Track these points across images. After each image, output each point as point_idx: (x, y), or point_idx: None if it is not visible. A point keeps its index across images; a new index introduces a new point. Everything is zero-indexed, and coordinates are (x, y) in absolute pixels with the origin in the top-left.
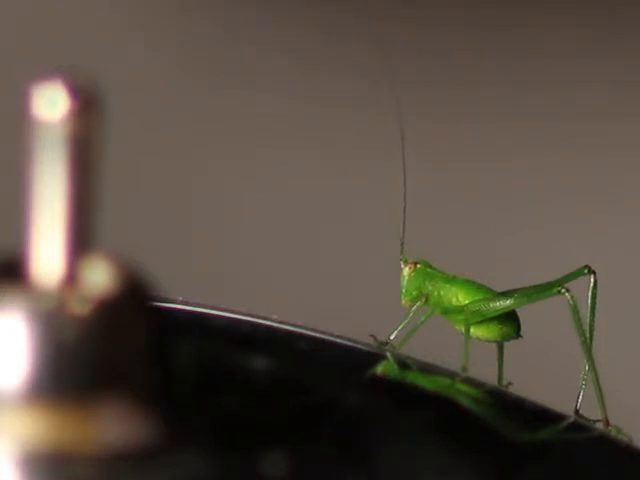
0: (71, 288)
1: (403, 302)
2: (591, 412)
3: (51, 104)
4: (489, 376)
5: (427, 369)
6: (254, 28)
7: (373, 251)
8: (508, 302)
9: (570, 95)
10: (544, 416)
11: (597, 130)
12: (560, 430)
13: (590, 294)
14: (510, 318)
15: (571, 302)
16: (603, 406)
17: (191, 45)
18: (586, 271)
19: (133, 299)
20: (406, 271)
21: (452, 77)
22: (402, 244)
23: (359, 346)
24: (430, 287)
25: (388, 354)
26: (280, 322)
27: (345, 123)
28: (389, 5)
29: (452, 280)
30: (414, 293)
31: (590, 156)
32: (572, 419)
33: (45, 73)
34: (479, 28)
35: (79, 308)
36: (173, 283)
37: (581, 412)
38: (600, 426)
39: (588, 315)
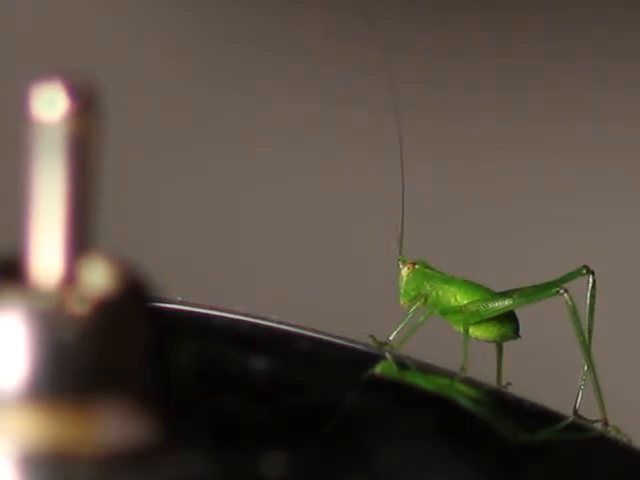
0: (71, 288)
1: (401, 302)
2: (590, 412)
3: (51, 104)
4: (488, 376)
5: (426, 369)
6: (254, 28)
7: (372, 251)
8: (507, 302)
9: (570, 95)
10: (543, 416)
11: (597, 130)
12: (559, 430)
13: (589, 294)
14: (509, 318)
15: (570, 303)
16: (602, 406)
17: (191, 45)
18: (585, 271)
19: (133, 299)
20: (404, 271)
21: (451, 77)
22: (400, 244)
23: (358, 346)
24: (428, 287)
25: (387, 354)
26: (279, 322)
27: (344, 123)
28: (389, 5)
29: (450, 280)
30: (412, 293)
31: (589, 156)
32: (571, 419)
33: (45, 73)
34: (479, 28)
35: (79, 308)
36: (173, 283)
37: (580, 412)
38: (599, 426)
39: (587, 315)
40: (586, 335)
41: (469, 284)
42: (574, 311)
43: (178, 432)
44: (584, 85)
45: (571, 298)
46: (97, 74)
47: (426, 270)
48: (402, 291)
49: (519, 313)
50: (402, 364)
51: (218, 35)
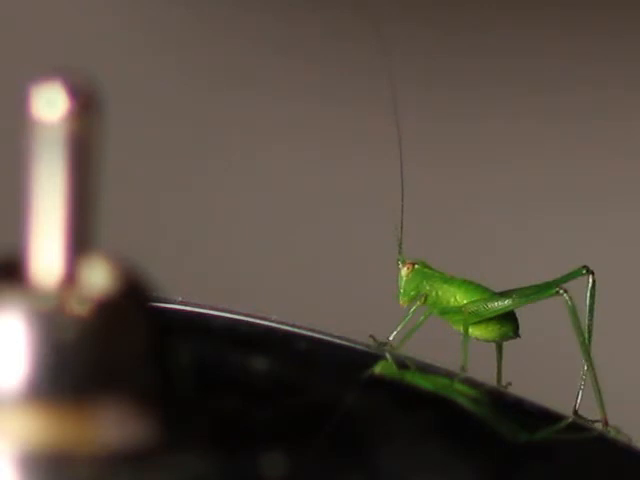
0: (71, 288)
1: (400, 302)
2: (590, 412)
3: (51, 104)
4: (488, 376)
5: (426, 369)
6: (254, 28)
7: (372, 251)
8: (506, 302)
9: (570, 95)
10: (543, 416)
11: (597, 130)
12: (559, 430)
13: (588, 294)
14: (508, 318)
15: (569, 303)
16: (602, 406)
17: (191, 45)
18: (584, 271)
19: (132, 299)
20: (404, 271)
21: (451, 77)
22: (400, 244)
23: (358, 346)
24: (428, 287)
25: (387, 354)
26: (279, 322)
27: (344, 123)
28: (389, 5)
29: (450, 280)
30: (412, 293)
31: (588, 156)
32: (571, 419)
33: (45, 73)
34: (479, 28)
35: (79, 308)
36: (173, 283)
37: (580, 412)
38: (599, 426)
39: (586, 315)
40: (586, 335)
41: (469, 284)
42: (574, 311)
43: (178, 432)
44: (584, 85)
45: (571, 298)
46: (97, 74)
47: (425, 270)
48: (402, 291)
49: (519, 313)
50: (402, 364)
51: (218, 35)
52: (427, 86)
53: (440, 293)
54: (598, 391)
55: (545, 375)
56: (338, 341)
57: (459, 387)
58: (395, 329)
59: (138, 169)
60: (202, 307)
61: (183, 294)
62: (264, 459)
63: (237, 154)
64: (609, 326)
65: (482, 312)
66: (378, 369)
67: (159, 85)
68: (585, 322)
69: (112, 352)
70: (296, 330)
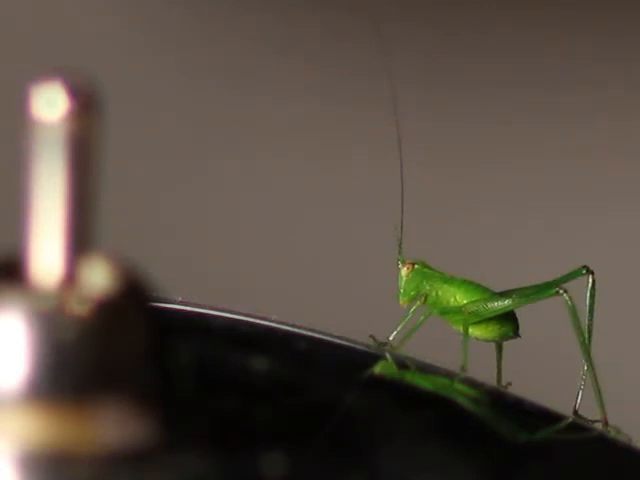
0: (71, 288)
1: (401, 302)
2: (590, 412)
3: (51, 104)
4: (488, 376)
5: (426, 369)
6: (254, 28)
7: (372, 251)
8: (506, 302)
9: (570, 95)
10: (543, 416)
11: (597, 130)
12: (559, 430)
13: (588, 294)
14: (508, 318)
15: (569, 303)
16: (602, 406)
17: (191, 45)
18: (584, 271)
19: (132, 299)
20: (404, 271)
21: (451, 77)
22: (400, 244)
23: (358, 346)
24: (428, 287)
25: (387, 354)
26: (279, 322)
27: (344, 123)
28: (389, 5)
29: (450, 280)
30: (412, 293)
31: (588, 156)
32: (571, 419)
33: (45, 73)
34: (479, 28)
35: (79, 308)
36: (173, 283)
37: (580, 412)
38: (599, 426)
39: (586, 315)
40: (586, 335)
41: (469, 284)
42: (574, 311)
43: (178, 432)
44: (584, 85)
45: (571, 298)
46: (97, 74)
47: (425, 270)
48: (402, 291)
49: (519, 313)
50: (402, 364)
51: (218, 35)
52: (427, 86)
53: (440, 293)
54: (598, 391)
55: (545, 375)
56: (338, 341)
57: (459, 387)
58: (395, 329)
59: (138, 169)
60: (202, 307)
61: (183, 294)
62: (264, 459)
63: (237, 154)
64: (609, 326)
65: (482, 312)
66: (378, 369)
67: (159, 85)
68: (585, 322)
69: (112, 352)
70: (296, 330)
